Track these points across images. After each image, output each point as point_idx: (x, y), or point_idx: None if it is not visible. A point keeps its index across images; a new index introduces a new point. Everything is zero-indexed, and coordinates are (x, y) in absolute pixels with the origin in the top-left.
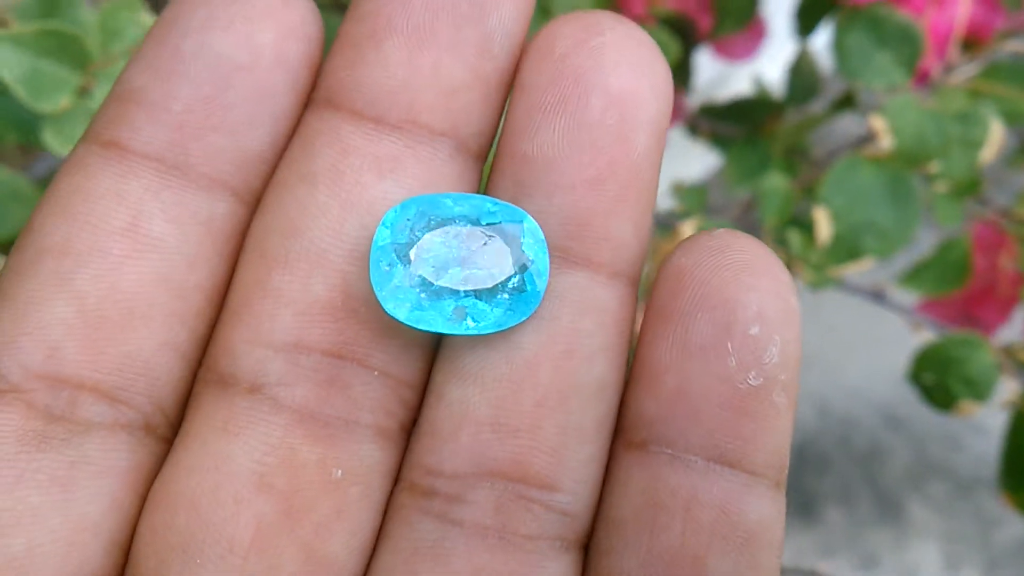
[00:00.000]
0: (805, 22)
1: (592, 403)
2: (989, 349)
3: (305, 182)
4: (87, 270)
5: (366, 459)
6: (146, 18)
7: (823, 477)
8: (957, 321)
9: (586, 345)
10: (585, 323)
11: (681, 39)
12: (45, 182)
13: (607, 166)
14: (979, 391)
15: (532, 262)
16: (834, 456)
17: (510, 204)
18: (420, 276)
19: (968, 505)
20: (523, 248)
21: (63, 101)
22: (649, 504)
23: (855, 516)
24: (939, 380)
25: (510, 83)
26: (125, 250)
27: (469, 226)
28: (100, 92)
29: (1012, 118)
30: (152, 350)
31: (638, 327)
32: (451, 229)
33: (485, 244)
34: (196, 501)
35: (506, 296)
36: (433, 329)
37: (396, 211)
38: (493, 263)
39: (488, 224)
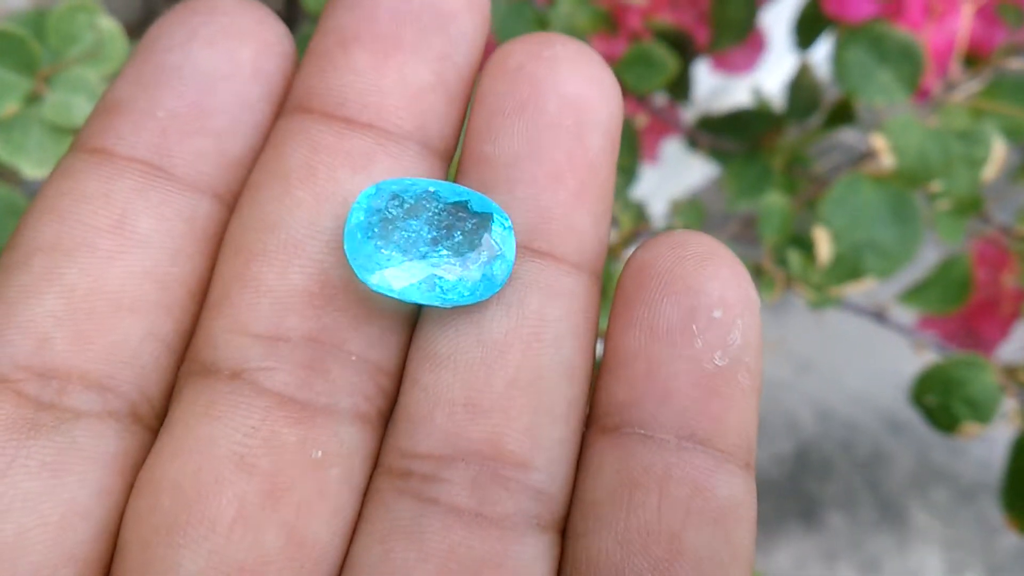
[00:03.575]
0: (804, 36)
1: (562, 385)
2: (992, 370)
3: (279, 179)
4: (75, 265)
5: (346, 441)
6: (104, 22)
7: (825, 482)
8: (958, 337)
9: (553, 330)
10: (552, 309)
11: (679, 53)
12: None
13: (566, 162)
14: (982, 413)
15: (500, 246)
16: (836, 461)
17: (480, 194)
18: (393, 250)
19: (970, 511)
20: (492, 232)
21: (10, 106)
22: (624, 482)
23: (857, 521)
24: (942, 402)
25: (471, 88)
26: (112, 246)
27: (442, 206)
28: (53, 98)
29: (1014, 135)
30: (138, 340)
31: (604, 323)
32: (425, 209)
33: (457, 224)
34: (179, 483)
35: (474, 274)
36: (404, 298)
37: (371, 191)
38: (464, 242)
39: (460, 208)
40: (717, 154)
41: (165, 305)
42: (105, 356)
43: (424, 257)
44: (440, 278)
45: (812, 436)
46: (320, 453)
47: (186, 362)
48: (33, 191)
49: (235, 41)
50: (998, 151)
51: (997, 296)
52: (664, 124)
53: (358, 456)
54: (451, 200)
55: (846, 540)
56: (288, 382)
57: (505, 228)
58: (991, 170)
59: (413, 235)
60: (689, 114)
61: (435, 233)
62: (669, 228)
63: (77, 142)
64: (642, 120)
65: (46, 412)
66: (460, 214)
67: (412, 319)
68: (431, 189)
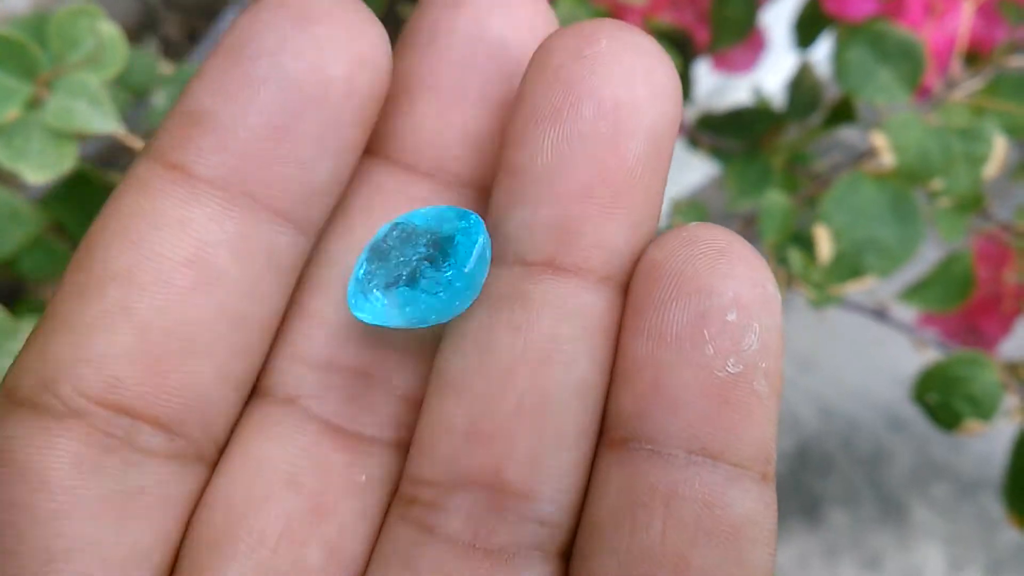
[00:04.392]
0: (804, 35)
1: (573, 409)
2: (993, 368)
3: (341, 217)
4: (150, 301)
5: (386, 467)
6: (105, 26)
7: (826, 479)
8: (959, 334)
9: (566, 351)
10: (565, 329)
11: (679, 53)
12: (46, 199)
13: (598, 175)
14: (984, 410)
15: (465, 260)
16: (837, 458)
17: (466, 211)
18: (377, 282)
19: (971, 506)
20: (456, 248)
21: (11, 112)
22: (628, 503)
23: (858, 518)
24: (943, 399)
25: None
26: (188, 282)
27: (421, 232)
28: (54, 103)
29: (1015, 132)
30: (209, 383)
31: None
32: (407, 237)
33: (428, 248)
34: (231, 499)
35: (441, 293)
36: (389, 324)
37: (382, 231)
38: (432, 263)
39: (434, 231)
40: (718, 153)
41: (239, 348)
42: (176, 399)
43: (399, 285)
44: (414, 301)
45: (813, 433)
46: (364, 477)
47: None
48: (34, 196)
49: (327, 55)
50: (999, 148)
51: (998, 293)
52: None
53: (392, 481)
54: (428, 224)
55: (847, 536)
56: (338, 411)
57: (471, 243)
58: (992, 168)
59: (393, 265)
60: (690, 113)
61: (411, 257)
62: (681, 223)
63: (155, 148)
64: None
65: (114, 453)
66: (432, 238)
67: None
68: (415, 222)
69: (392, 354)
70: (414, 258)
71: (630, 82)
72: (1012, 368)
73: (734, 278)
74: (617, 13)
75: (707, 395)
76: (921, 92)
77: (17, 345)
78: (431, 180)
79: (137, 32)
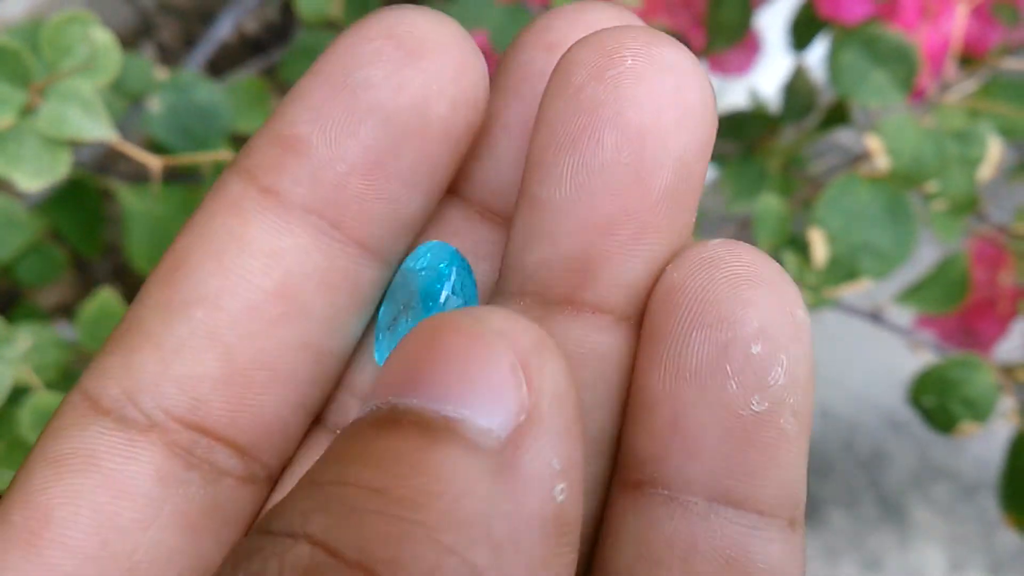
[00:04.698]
0: (799, 37)
1: (588, 459)
2: (989, 370)
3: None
4: (236, 328)
5: None
6: (98, 33)
7: (827, 481)
8: (956, 335)
9: (583, 398)
10: (583, 374)
11: None
12: (43, 206)
13: (620, 210)
14: (979, 412)
15: (439, 306)
16: (837, 460)
17: (456, 256)
18: (383, 328)
19: (971, 507)
20: (439, 301)
21: (4, 119)
22: (643, 557)
23: (859, 519)
24: (939, 402)
25: None
26: (275, 313)
27: (410, 279)
28: (47, 110)
29: (1010, 134)
30: (288, 412)
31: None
32: (403, 283)
33: (413, 298)
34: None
35: None
36: None
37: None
38: (416, 312)
39: (421, 280)
40: (714, 156)
41: (316, 378)
42: (255, 427)
43: (384, 332)
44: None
45: (814, 436)
46: None
47: None
48: (32, 202)
49: (434, 91)
50: (994, 150)
51: (995, 295)
52: None
53: None
54: (417, 270)
55: (848, 537)
56: None
57: (440, 289)
58: (987, 169)
59: (391, 311)
60: None
61: (399, 308)
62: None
63: (245, 168)
64: None
65: (194, 470)
66: (419, 287)
67: None
68: (416, 267)
69: None
70: (400, 308)
71: (657, 105)
72: (1008, 370)
73: (759, 306)
74: None
75: (729, 437)
76: (915, 94)
77: (13, 352)
78: (498, 220)
79: (133, 38)
